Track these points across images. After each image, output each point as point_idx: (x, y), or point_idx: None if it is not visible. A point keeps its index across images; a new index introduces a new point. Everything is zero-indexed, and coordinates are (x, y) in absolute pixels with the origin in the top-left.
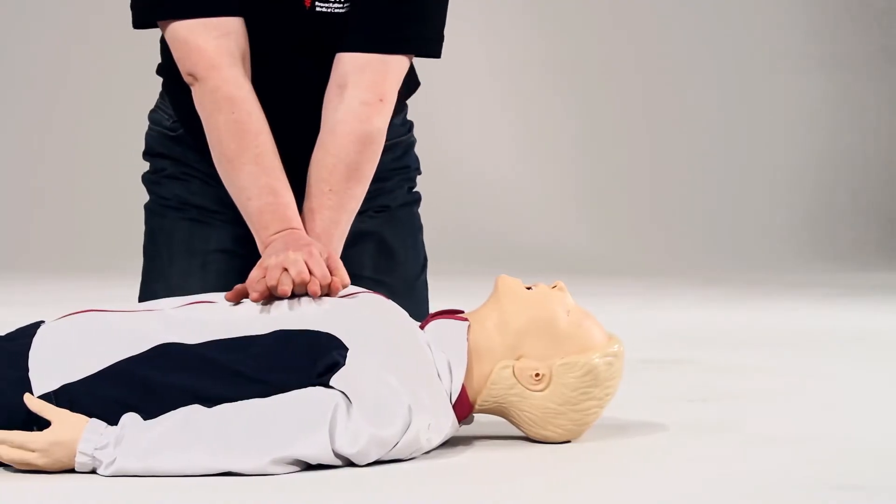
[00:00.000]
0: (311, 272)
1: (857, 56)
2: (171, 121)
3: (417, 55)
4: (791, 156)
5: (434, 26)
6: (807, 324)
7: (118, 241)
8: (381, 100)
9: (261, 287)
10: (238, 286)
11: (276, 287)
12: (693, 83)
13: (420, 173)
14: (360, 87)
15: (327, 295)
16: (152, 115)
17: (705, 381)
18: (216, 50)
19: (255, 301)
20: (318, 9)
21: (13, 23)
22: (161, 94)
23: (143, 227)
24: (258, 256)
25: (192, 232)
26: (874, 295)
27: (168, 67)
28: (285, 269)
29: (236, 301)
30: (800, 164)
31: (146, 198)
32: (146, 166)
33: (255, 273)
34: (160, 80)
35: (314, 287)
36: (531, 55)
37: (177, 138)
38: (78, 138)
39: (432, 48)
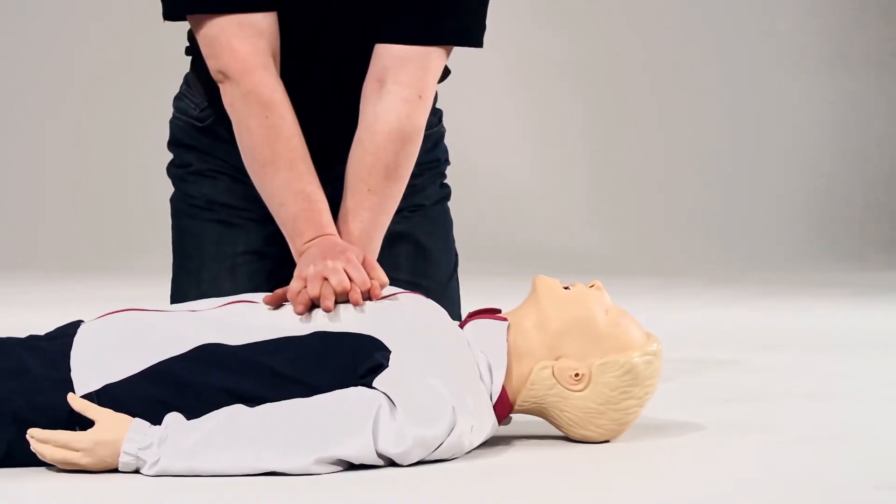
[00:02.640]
0: (350, 279)
1: (867, 56)
2: (198, 110)
3: (459, 45)
4: (801, 156)
5: (477, 15)
6: (824, 323)
7: (126, 240)
8: (420, 97)
9: (303, 299)
10: (278, 290)
11: (318, 298)
12: (703, 84)
13: (449, 164)
14: (399, 83)
15: (368, 299)
16: (177, 104)
17: (731, 380)
18: (249, 51)
19: (299, 314)
20: None
21: (19, 19)
22: (186, 80)
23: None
24: (288, 255)
25: (221, 234)
26: (887, 294)
27: (199, 50)
28: (325, 279)
29: (276, 305)
30: (809, 164)
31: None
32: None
33: (294, 284)
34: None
35: (356, 296)
36: (543, 56)
37: (204, 129)
38: (82, 138)
39: (474, 38)
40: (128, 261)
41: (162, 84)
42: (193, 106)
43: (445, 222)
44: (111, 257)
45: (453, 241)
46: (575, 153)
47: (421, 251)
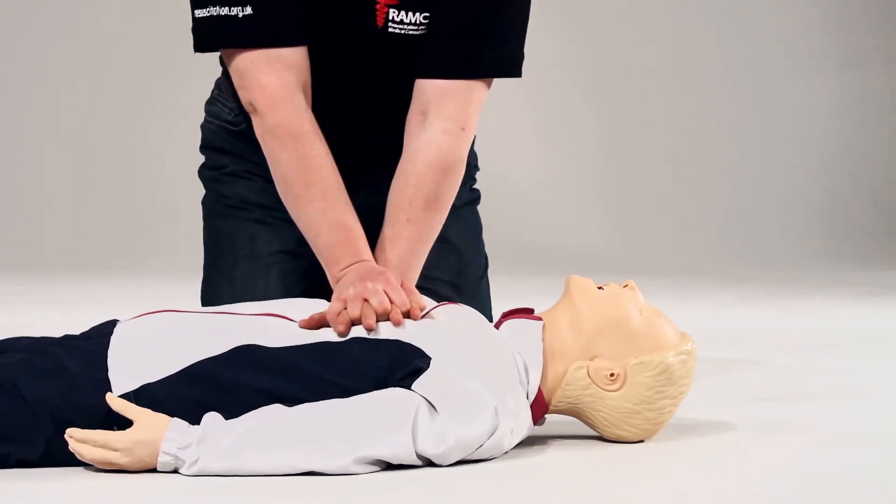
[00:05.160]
0: (390, 301)
1: (875, 57)
2: (232, 115)
3: (499, 77)
4: (809, 156)
5: (515, 46)
6: (839, 323)
7: (132, 240)
8: (462, 129)
9: (344, 319)
10: (315, 315)
11: (359, 319)
12: (712, 85)
13: (479, 170)
14: (442, 115)
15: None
16: (210, 108)
17: (757, 380)
18: (278, 85)
19: (341, 335)
20: (390, 30)
21: (27, 22)
22: (218, 85)
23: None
24: None
25: (255, 234)
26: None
27: None
28: (365, 300)
29: (313, 328)
30: (818, 163)
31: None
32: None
33: (334, 305)
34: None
35: (396, 316)
36: (552, 58)
37: (239, 133)
38: (89, 138)
39: (514, 69)
40: (134, 261)
41: (167, 84)
42: (227, 111)
43: (475, 224)
44: (117, 257)
45: (483, 243)
46: (584, 154)
47: (452, 250)
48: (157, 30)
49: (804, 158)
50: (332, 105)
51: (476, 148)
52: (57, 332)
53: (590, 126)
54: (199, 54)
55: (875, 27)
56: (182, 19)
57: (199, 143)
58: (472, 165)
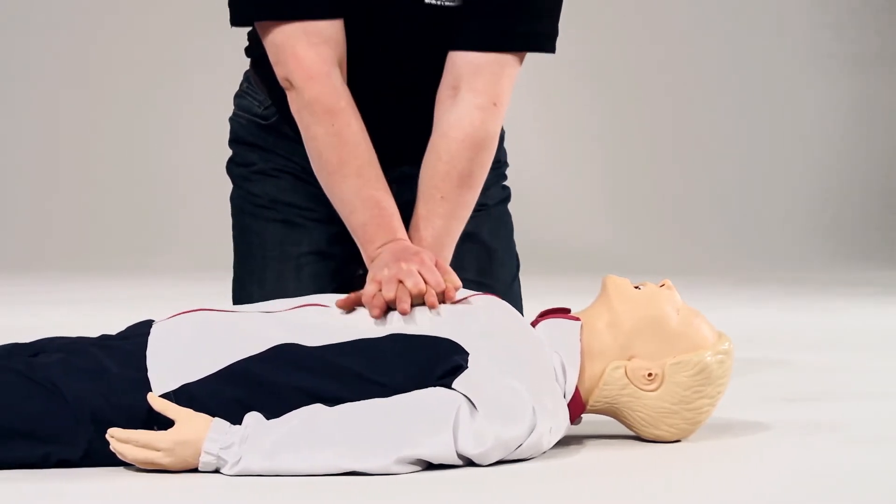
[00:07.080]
0: (425, 281)
1: (880, 56)
2: (262, 108)
3: (533, 51)
4: (817, 155)
5: (550, 21)
6: (855, 323)
7: (138, 240)
8: (494, 104)
9: (379, 302)
10: (351, 295)
11: (394, 301)
12: (719, 85)
13: (508, 166)
14: (474, 90)
15: (442, 302)
16: (239, 101)
17: (786, 380)
18: (314, 58)
19: (376, 318)
20: (427, 1)
21: (28, 22)
22: (247, 78)
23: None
24: (351, 255)
25: (285, 235)
26: None
27: (262, 52)
28: (400, 282)
29: (349, 310)
30: (825, 163)
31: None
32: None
33: (369, 288)
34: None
35: (431, 298)
36: (559, 56)
37: (268, 127)
38: (88, 138)
39: (547, 44)
40: (134, 261)
41: (169, 85)
42: (257, 104)
43: (507, 223)
44: (117, 257)
45: (514, 243)
46: (591, 155)
47: (485, 251)
48: (159, 31)
49: (812, 158)
50: (365, 81)
51: None
52: (58, 332)
53: (596, 126)
54: (202, 54)
55: (880, 28)
56: (183, 20)
57: (204, 143)
58: (503, 162)
